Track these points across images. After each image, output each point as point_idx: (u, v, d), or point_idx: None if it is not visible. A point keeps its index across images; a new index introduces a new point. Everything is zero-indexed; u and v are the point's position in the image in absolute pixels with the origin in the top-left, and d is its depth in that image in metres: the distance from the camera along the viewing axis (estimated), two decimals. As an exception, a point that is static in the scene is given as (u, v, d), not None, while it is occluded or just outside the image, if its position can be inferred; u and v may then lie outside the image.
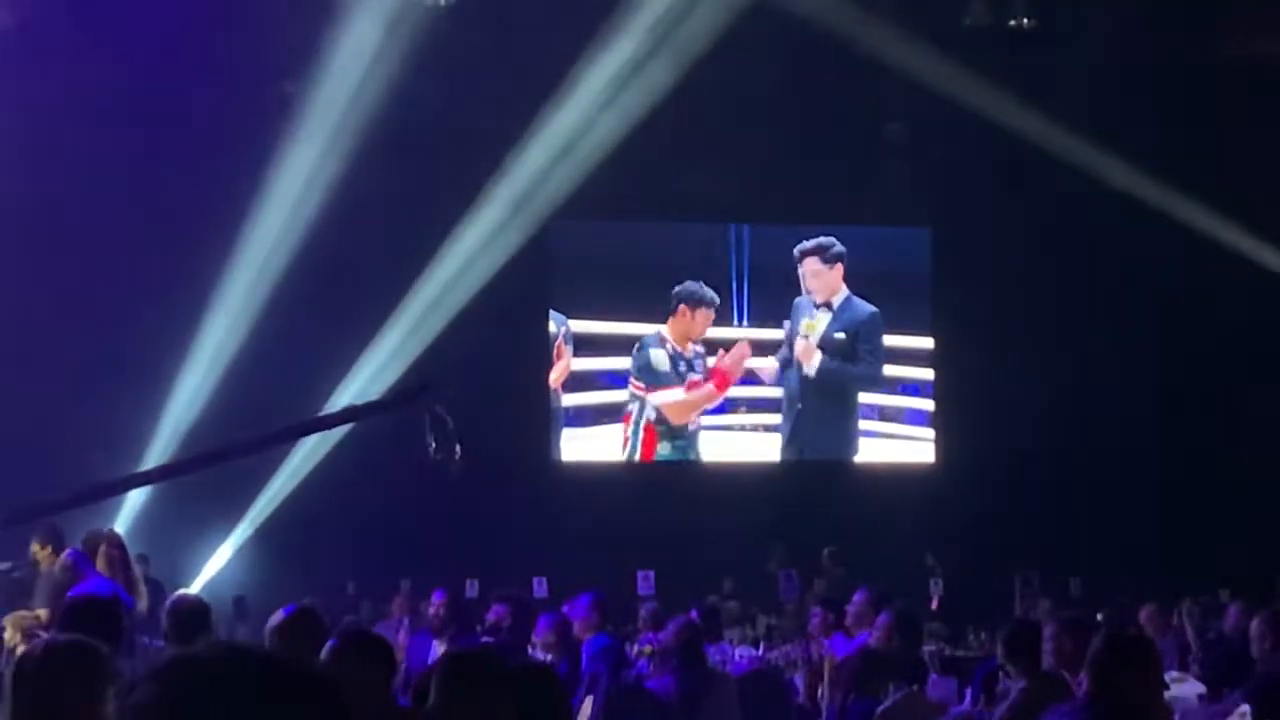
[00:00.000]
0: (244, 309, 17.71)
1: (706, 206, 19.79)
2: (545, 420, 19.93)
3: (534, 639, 10.34)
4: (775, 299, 19.98)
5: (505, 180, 17.94)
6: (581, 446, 19.94)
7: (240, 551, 18.18)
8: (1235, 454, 19.16)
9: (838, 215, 20.32)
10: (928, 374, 20.57)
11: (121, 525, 15.08)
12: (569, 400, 19.93)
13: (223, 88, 17.29)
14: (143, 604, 11.02)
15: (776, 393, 20.14)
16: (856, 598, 11.61)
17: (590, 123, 17.67)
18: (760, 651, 13.59)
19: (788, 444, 20.21)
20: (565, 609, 11.05)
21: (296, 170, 17.34)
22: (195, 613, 8.14)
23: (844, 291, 19.95)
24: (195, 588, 16.02)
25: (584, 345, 19.75)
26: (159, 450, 17.15)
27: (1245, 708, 7.62)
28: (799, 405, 20.05)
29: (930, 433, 20.66)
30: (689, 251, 20.26)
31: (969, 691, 10.20)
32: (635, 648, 12.11)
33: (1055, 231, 19.75)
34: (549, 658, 9.86)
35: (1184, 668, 11.59)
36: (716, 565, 17.83)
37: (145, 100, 16.70)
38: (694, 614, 12.58)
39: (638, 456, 19.80)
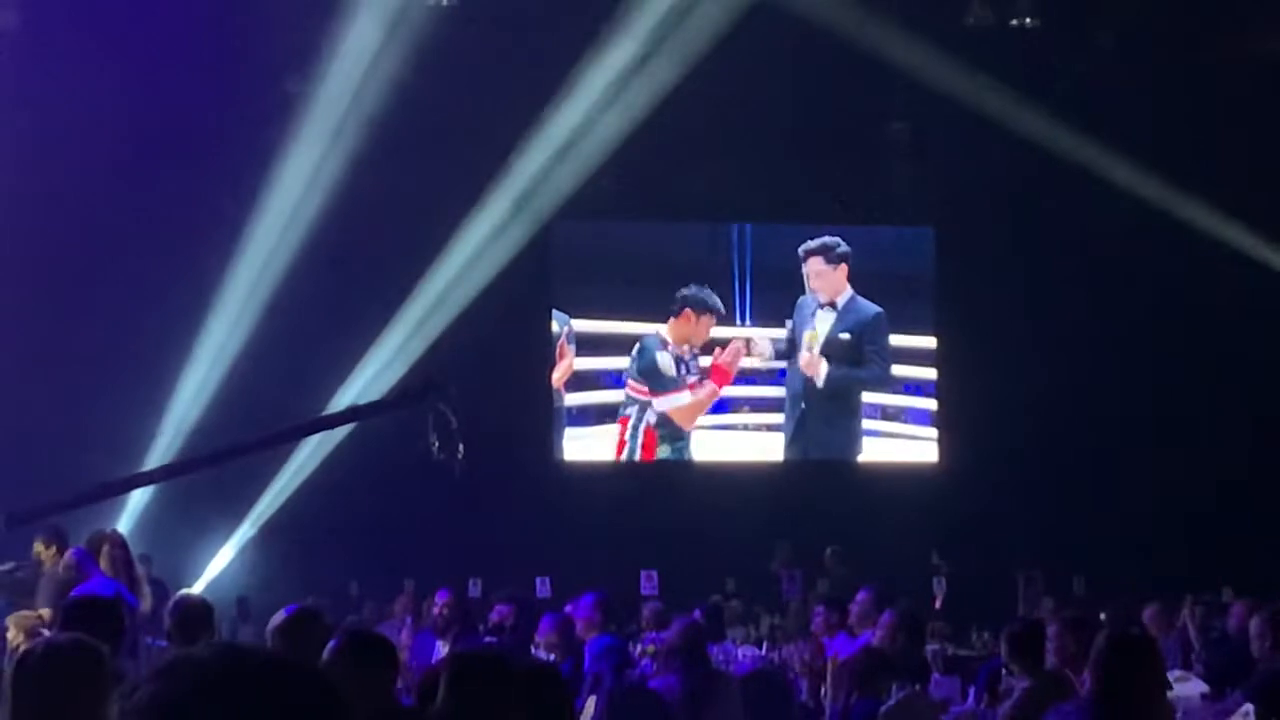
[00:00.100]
0: (246, 309, 17.73)
1: (709, 206, 19.79)
2: (548, 420, 19.92)
3: (537, 639, 10.35)
4: (778, 299, 19.97)
5: (508, 179, 17.95)
6: (584, 446, 19.93)
7: (243, 551, 18.19)
8: (1238, 453, 19.14)
9: (840, 215, 20.32)
10: (930, 373, 20.55)
11: (124, 525, 15.12)
12: (572, 400, 19.92)
13: (226, 87, 17.30)
14: (146, 604, 11.02)
15: (779, 392, 20.13)
16: (860, 597, 11.61)
17: (593, 122, 17.68)
18: (763, 651, 13.59)
19: (791, 443, 20.20)
20: (568, 609, 11.06)
21: (299, 169, 17.35)
22: (198, 613, 8.14)
23: (848, 291, 19.94)
24: (198, 588, 16.03)
25: (587, 345, 19.75)
26: (162, 450, 17.17)
27: (1248, 707, 7.62)
28: (802, 405, 20.03)
29: (933, 432, 20.64)
30: (692, 251, 20.26)
31: (972, 691, 10.20)
32: (639, 647, 12.12)
33: (1058, 231, 19.74)
34: (552, 657, 9.87)
35: (1187, 667, 11.59)
36: (720, 565, 17.82)
37: (148, 99, 16.69)
38: (697, 613, 12.61)
39: (637, 459, 19.78)
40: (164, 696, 1.90)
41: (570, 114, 17.58)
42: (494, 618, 11.31)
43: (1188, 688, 9.94)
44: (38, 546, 11.46)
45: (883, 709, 8.62)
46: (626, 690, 10.00)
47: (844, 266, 19.92)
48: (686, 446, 19.95)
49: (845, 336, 19.91)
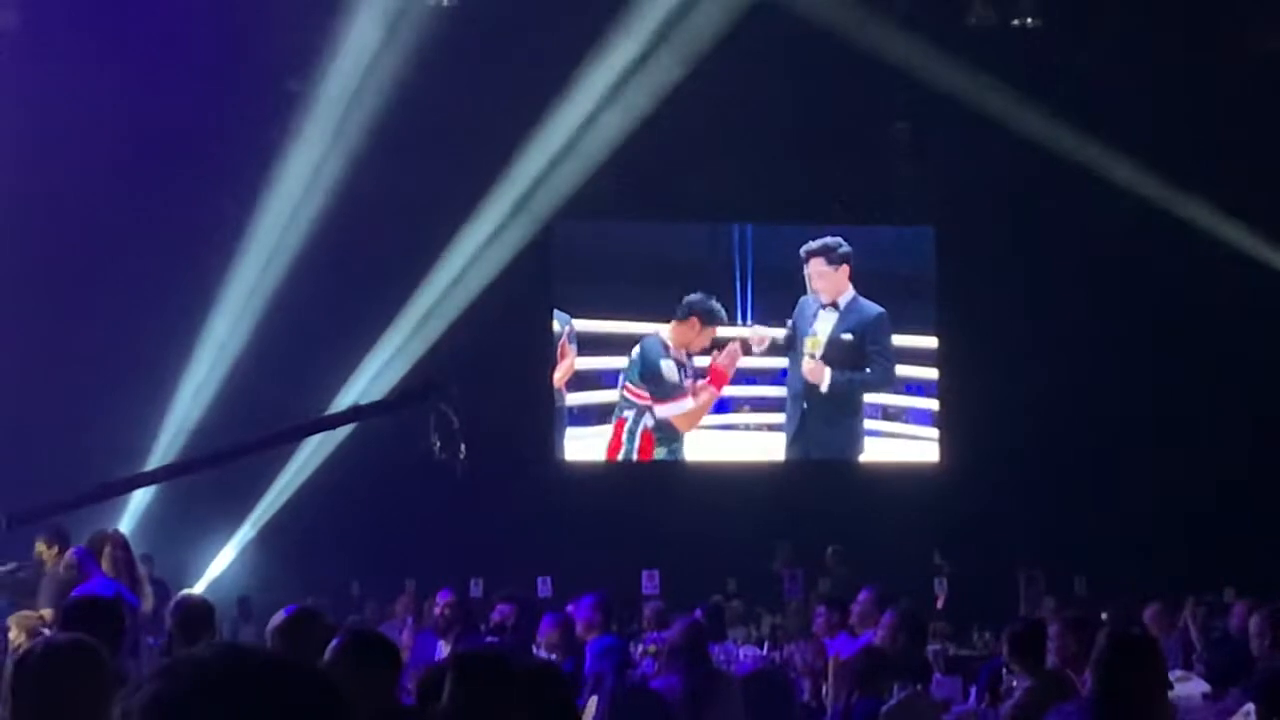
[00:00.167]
0: (248, 308, 17.73)
1: (710, 206, 19.78)
2: (549, 419, 19.92)
3: (538, 639, 10.36)
4: (779, 299, 19.96)
5: (509, 179, 17.95)
6: (586, 446, 19.92)
7: (244, 551, 18.19)
8: (1239, 453, 19.14)
9: (841, 215, 20.31)
10: (932, 373, 20.55)
11: (126, 525, 15.12)
12: (573, 399, 19.92)
13: (227, 87, 17.32)
14: (148, 604, 11.02)
15: (780, 392, 20.13)
16: (861, 597, 11.61)
17: (594, 122, 17.67)
18: (765, 651, 13.59)
19: (792, 443, 20.19)
20: (569, 609, 11.06)
21: (300, 169, 17.36)
22: (199, 613, 8.14)
23: (850, 291, 19.94)
24: (199, 588, 16.05)
25: (588, 344, 19.74)
26: (164, 450, 17.17)
27: (1250, 706, 7.61)
28: (804, 405, 20.02)
29: (934, 432, 20.64)
30: (693, 251, 20.25)
31: (973, 690, 10.20)
32: (640, 647, 12.12)
33: (1059, 230, 19.75)
34: (553, 657, 9.87)
35: (1188, 666, 11.58)
36: (721, 564, 17.81)
37: (149, 99, 16.69)
38: (699, 613, 12.60)
39: (634, 460, 19.78)
40: (165, 696, 1.90)
41: (571, 114, 17.58)
42: (495, 617, 11.32)
43: (1189, 687, 9.94)
44: (39, 546, 11.46)
45: (884, 709, 8.62)
46: (628, 690, 10.00)
47: (845, 267, 19.91)
48: (681, 448, 19.94)
49: (848, 337, 19.90)
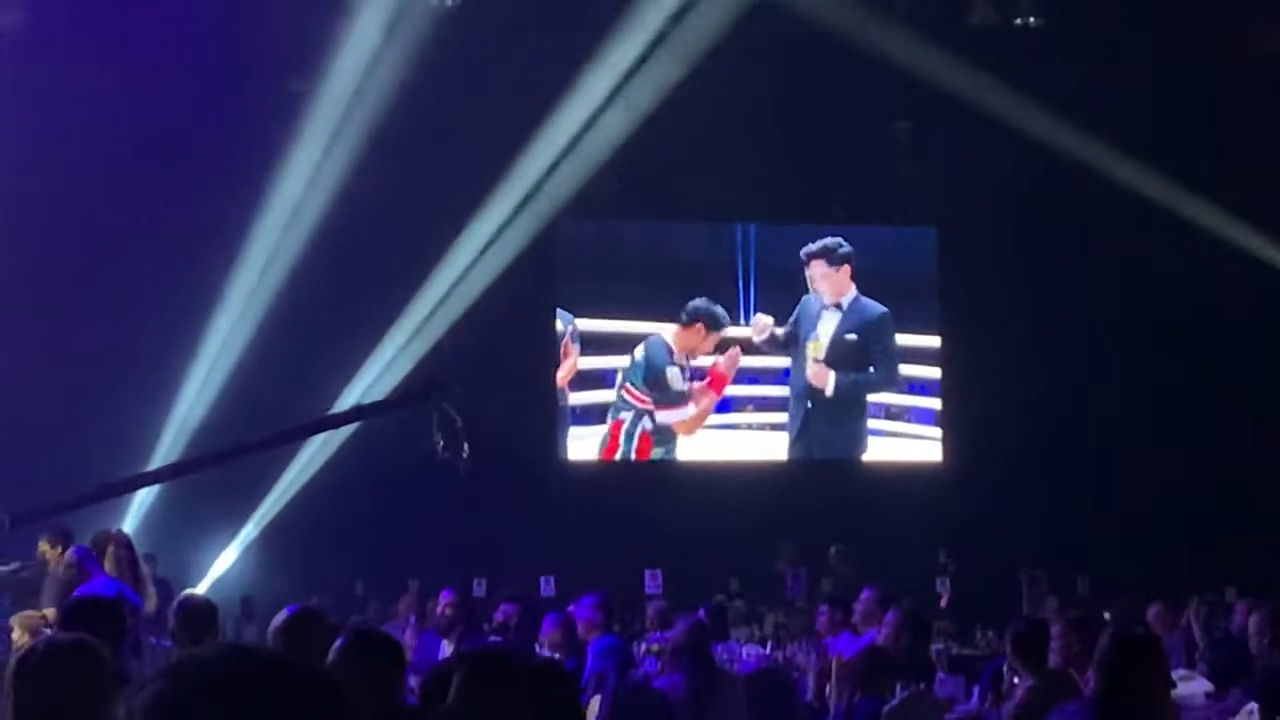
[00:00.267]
0: (250, 308, 17.74)
1: (713, 206, 19.78)
2: (552, 419, 19.92)
3: (541, 638, 10.36)
4: (781, 298, 19.95)
5: (512, 179, 17.95)
6: (588, 445, 19.91)
7: (247, 551, 18.19)
8: (1241, 452, 19.14)
9: (843, 215, 20.31)
10: (934, 373, 20.55)
11: (129, 525, 15.14)
12: (576, 399, 19.91)
13: (229, 87, 17.32)
14: (151, 604, 11.03)
15: (783, 391, 20.12)
16: (864, 596, 11.62)
17: (596, 122, 17.67)
18: (767, 650, 13.59)
19: (795, 442, 20.19)
20: (571, 609, 11.06)
21: (303, 169, 17.37)
22: (202, 613, 8.14)
23: (852, 291, 19.93)
24: (202, 588, 16.06)
25: (591, 344, 19.74)
26: (166, 450, 17.18)
27: (1252, 705, 7.61)
28: (808, 404, 20.02)
29: (937, 431, 20.64)
30: (695, 251, 20.24)
31: (976, 690, 10.20)
32: (643, 646, 12.12)
33: (1061, 230, 19.76)
34: (556, 657, 9.86)
35: (1191, 666, 11.58)
36: (724, 564, 17.81)
37: (151, 99, 16.70)
38: (701, 613, 12.59)
39: (633, 458, 19.78)
40: (168, 696, 1.91)
41: (573, 113, 17.59)
42: (498, 617, 11.30)
43: (1192, 686, 9.95)
44: (43, 546, 11.47)
45: (886, 708, 8.63)
46: (631, 690, 10.00)
47: (847, 267, 19.90)
48: (675, 449, 19.92)
49: (851, 338, 19.89)
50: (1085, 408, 19.83)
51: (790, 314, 19.91)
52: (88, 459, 14.40)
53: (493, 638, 10.89)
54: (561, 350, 19.76)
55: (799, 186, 19.56)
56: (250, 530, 18.13)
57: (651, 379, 19.58)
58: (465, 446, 8.36)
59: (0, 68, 16.58)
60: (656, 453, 19.78)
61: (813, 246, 19.88)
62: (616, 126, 17.72)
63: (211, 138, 17.38)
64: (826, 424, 20.19)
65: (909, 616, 10.76)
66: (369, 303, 17.94)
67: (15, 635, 9.31)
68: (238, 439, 12.66)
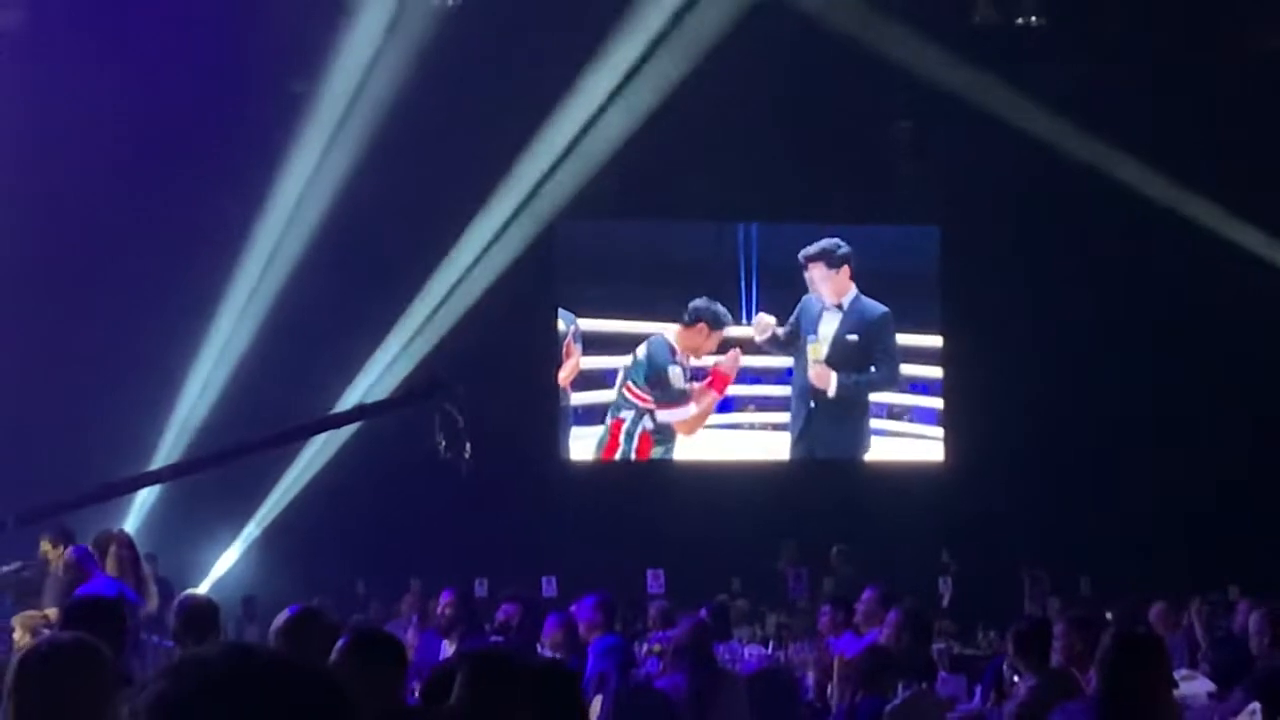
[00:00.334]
0: (252, 308, 17.74)
1: (715, 205, 19.77)
2: (554, 419, 19.92)
3: (542, 638, 10.35)
4: (784, 298, 19.94)
5: (513, 179, 17.95)
6: (590, 445, 19.92)
7: (249, 551, 18.19)
8: (1242, 452, 19.13)
9: (846, 214, 20.29)
10: (936, 372, 20.54)
11: (131, 525, 15.13)
12: (578, 399, 19.91)
13: (231, 87, 17.32)
14: (153, 604, 11.03)
15: (785, 391, 20.10)
16: (866, 596, 11.61)
17: (598, 121, 17.67)
18: (769, 650, 13.59)
19: (798, 442, 20.18)
20: (572, 610, 11.05)
21: (304, 169, 17.37)
22: (204, 613, 8.13)
23: (853, 291, 19.91)
24: (203, 587, 16.06)
25: (593, 344, 19.73)
26: (168, 450, 17.18)
27: (1255, 705, 7.61)
28: (811, 404, 20.00)
29: (939, 431, 20.63)
30: (697, 250, 20.23)
31: (978, 689, 10.20)
32: (645, 646, 12.11)
33: (1063, 229, 19.75)
34: (558, 657, 9.86)
35: (1193, 666, 11.58)
36: (726, 564, 17.81)
37: (153, 99, 16.70)
38: (703, 612, 12.59)
39: (632, 458, 19.77)
40: (170, 696, 1.91)
41: (575, 113, 17.58)
42: (500, 617, 11.30)
43: (1194, 686, 9.95)
44: (44, 546, 11.47)
45: (889, 707, 8.63)
46: (632, 690, 10.00)
47: (846, 268, 19.87)
48: (673, 449, 19.92)
49: (852, 338, 19.86)
50: (1087, 407, 19.82)
51: (792, 313, 19.90)
52: (89, 459, 14.41)
53: (494, 638, 10.88)
54: (564, 350, 19.76)
55: (800, 186, 19.54)
56: (252, 530, 18.13)
57: (653, 377, 19.57)
58: (468, 446, 8.36)
59: (1, 68, 16.58)
60: (656, 452, 19.77)
61: (811, 249, 19.85)
62: (618, 126, 17.71)
63: (212, 138, 17.39)
64: (829, 424, 20.18)
65: (911, 616, 10.76)
66: (370, 303, 17.93)
67: (17, 635, 9.30)
68: (239, 439, 12.66)
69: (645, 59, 17.26)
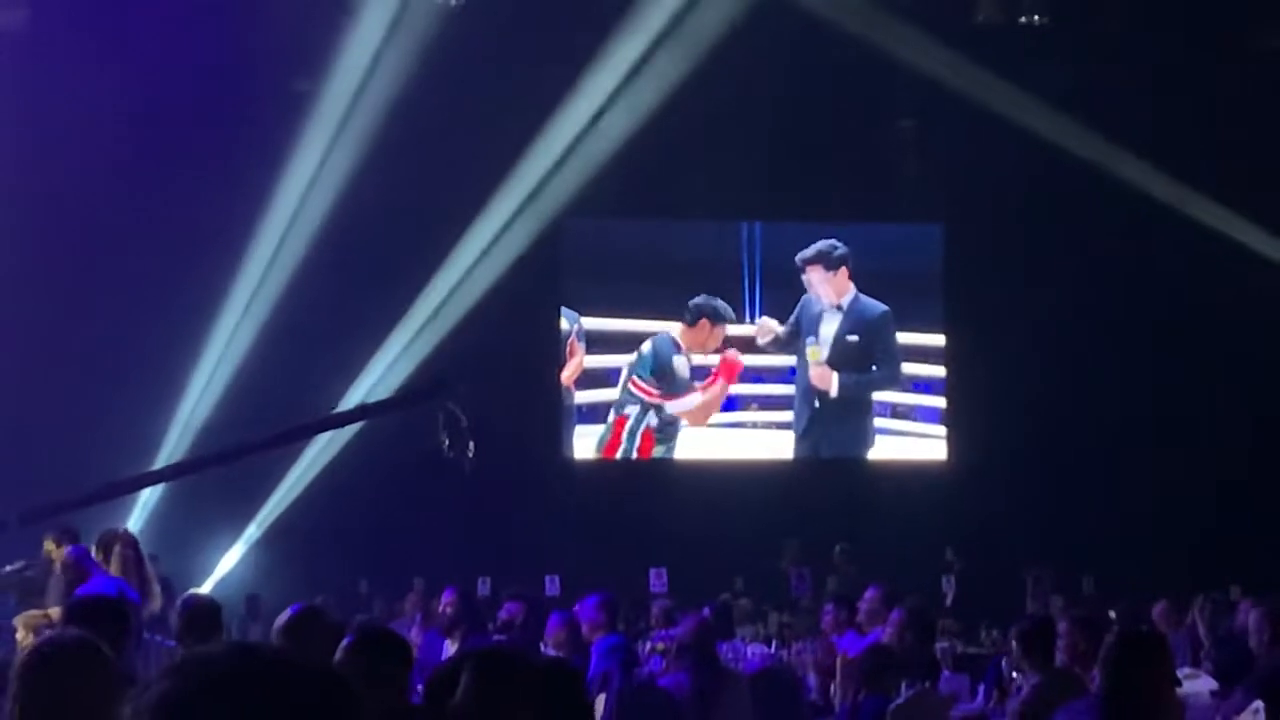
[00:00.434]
0: (255, 307, 17.74)
1: (718, 204, 19.75)
2: (557, 418, 19.91)
3: (546, 637, 10.35)
4: (787, 296, 19.91)
5: (516, 177, 17.95)
6: (594, 444, 19.91)
7: (252, 550, 18.20)
8: (1249, 451, 19.12)
9: (849, 213, 20.28)
10: (939, 371, 20.53)
11: (134, 524, 15.15)
12: (581, 397, 19.91)
13: (233, 86, 17.32)
14: (156, 603, 11.02)
15: (789, 390, 20.09)
16: (869, 595, 11.60)
17: (600, 120, 17.67)
18: (772, 649, 13.58)
19: (801, 440, 20.17)
20: (575, 610, 11.05)
21: (307, 167, 17.37)
22: (206, 612, 8.14)
23: (852, 291, 19.89)
24: (206, 587, 16.08)
25: (596, 342, 19.73)
26: (171, 449, 17.19)
27: (1258, 704, 7.61)
28: (815, 403, 19.99)
29: (942, 430, 20.62)
30: (701, 249, 20.22)
31: (981, 688, 10.20)
32: (648, 645, 12.11)
33: (1067, 228, 19.73)
34: (560, 656, 9.85)
35: (1196, 664, 11.58)
36: (729, 562, 17.81)
37: (154, 98, 16.72)
38: (706, 611, 12.59)
39: (633, 458, 19.77)
40: (173, 695, 1.90)
41: (578, 111, 17.59)
42: (503, 616, 11.30)
43: (1197, 685, 9.94)
44: (48, 545, 11.45)
45: (892, 706, 8.63)
46: (636, 688, 10.00)
47: (844, 268, 19.85)
48: (675, 448, 19.92)
49: (853, 338, 19.85)
50: (1090, 406, 19.81)
51: (793, 312, 19.89)
52: (92, 458, 14.41)
53: (497, 636, 10.88)
54: (567, 349, 19.75)
55: (803, 184, 19.53)
56: (255, 529, 18.14)
57: (659, 370, 19.57)
58: (471, 445, 8.36)
59: (2, 68, 16.58)
60: (658, 451, 19.77)
61: (808, 252, 19.82)
62: (620, 125, 17.71)
63: (215, 137, 17.39)
64: (833, 422, 20.18)
65: (914, 615, 10.76)
66: (373, 302, 17.94)
67: (19, 635, 9.30)
68: (242, 438, 12.67)
69: (648, 57, 17.26)
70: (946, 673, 10.76)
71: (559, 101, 17.55)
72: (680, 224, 20.31)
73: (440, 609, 11.51)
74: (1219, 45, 18.92)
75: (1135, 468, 19.29)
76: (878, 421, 20.36)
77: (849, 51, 17.61)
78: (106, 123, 16.36)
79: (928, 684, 9.32)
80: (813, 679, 11.47)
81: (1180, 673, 8.30)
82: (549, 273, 19.51)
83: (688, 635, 10.01)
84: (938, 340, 20.50)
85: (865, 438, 20.36)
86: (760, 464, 20.02)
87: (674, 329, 19.61)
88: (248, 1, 17.27)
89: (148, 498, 16.82)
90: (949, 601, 16.95)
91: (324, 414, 14.42)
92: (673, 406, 19.67)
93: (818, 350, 19.83)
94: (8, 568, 12.17)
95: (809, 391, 19.97)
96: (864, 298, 19.88)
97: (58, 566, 11.06)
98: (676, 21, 17.00)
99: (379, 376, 17.75)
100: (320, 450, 17.65)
